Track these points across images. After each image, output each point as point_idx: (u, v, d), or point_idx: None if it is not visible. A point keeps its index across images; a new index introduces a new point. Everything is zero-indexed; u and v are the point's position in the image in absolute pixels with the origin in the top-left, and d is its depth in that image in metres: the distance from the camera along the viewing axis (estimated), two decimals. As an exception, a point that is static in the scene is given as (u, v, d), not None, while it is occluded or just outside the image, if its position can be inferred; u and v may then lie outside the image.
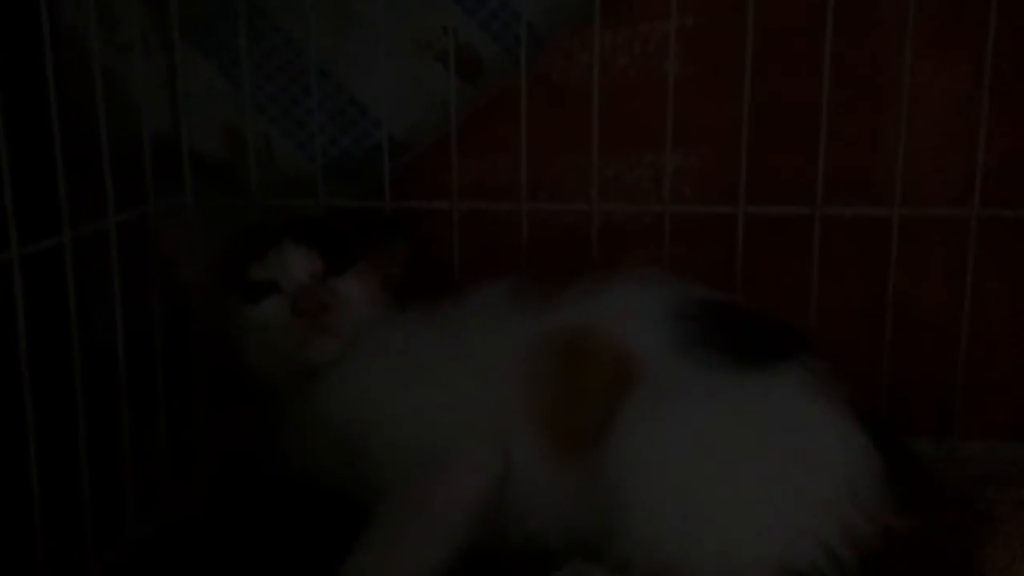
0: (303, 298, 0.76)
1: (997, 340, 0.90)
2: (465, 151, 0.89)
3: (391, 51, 0.87)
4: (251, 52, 0.88)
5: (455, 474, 0.72)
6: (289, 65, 0.90)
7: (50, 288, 0.70)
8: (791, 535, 0.65)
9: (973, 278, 0.84)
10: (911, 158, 0.83)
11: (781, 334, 0.74)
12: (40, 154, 0.70)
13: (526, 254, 0.89)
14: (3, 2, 0.81)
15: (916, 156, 0.84)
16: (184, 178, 0.88)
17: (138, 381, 0.79)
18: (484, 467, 0.73)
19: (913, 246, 0.87)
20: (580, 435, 0.71)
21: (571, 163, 0.93)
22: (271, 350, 0.78)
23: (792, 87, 0.88)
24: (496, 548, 0.72)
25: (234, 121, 0.89)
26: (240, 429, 0.89)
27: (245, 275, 0.78)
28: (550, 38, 0.91)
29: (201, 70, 0.89)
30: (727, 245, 0.87)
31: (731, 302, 0.77)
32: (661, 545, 0.66)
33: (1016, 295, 0.89)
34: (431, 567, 0.68)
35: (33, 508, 0.66)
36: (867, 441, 0.68)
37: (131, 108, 0.82)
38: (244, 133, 0.89)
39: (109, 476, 0.76)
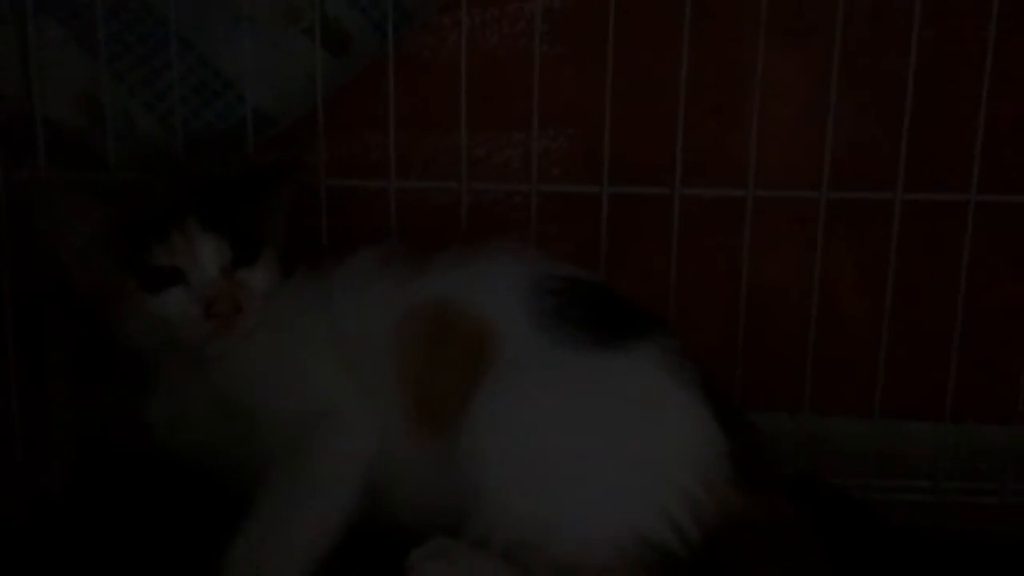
0: (218, 302, 0.72)
1: (845, 317, 0.94)
2: (333, 127, 0.88)
3: (257, 23, 0.85)
4: (109, 21, 0.85)
5: (338, 438, 0.72)
6: (150, 36, 0.87)
7: None
8: (640, 509, 0.67)
9: (823, 257, 0.88)
10: (766, 142, 0.86)
11: (636, 313, 0.76)
12: None
13: (395, 233, 0.89)
14: None
15: (770, 140, 0.87)
16: (37, 148, 0.85)
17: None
18: (364, 430, 0.73)
19: (767, 226, 0.89)
20: (443, 409, 0.72)
21: (441, 142, 0.93)
22: (163, 336, 0.74)
23: (654, 71, 0.90)
24: (362, 525, 0.71)
25: (91, 90, 0.86)
26: (100, 407, 0.87)
27: (144, 256, 0.73)
28: (419, 15, 0.91)
29: (55, 37, 0.86)
30: (593, 224, 0.88)
31: (590, 280, 0.79)
32: (516, 520, 0.67)
33: (863, 273, 0.93)
34: (323, 533, 0.68)
35: None
36: (713, 420, 0.71)
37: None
38: (102, 103, 0.86)
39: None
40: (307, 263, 0.80)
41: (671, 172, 0.86)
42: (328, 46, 0.88)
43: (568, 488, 0.68)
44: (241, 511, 0.68)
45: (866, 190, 0.87)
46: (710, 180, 0.89)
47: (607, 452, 0.68)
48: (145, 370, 0.79)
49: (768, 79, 0.85)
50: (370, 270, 0.78)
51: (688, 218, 0.88)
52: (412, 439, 0.73)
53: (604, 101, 0.86)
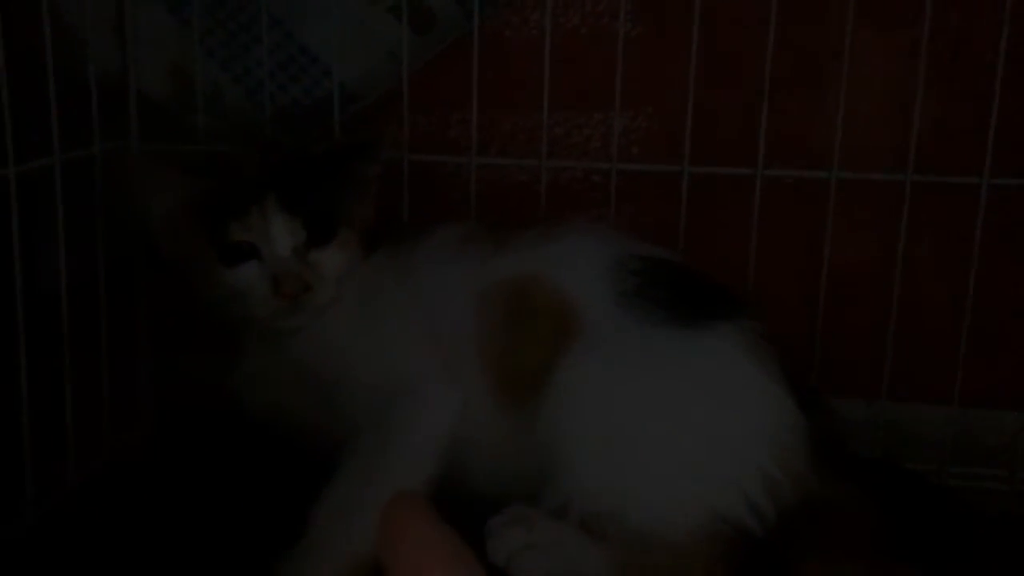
0: (286, 282, 0.74)
1: (926, 303, 0.92)
2: (416, 104, 0.89)
3: (343, 1, 0.87)
4: (202, -3, 0.87)
5: (421, 409, 0.73)
6: (240, 12, 0.89)
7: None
8: (716, 486, 0.68)
9: (905, 242, 0.87)
10: (850, 123, 0.85)
11: (717, 293, 0.76)
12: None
13: (475, 209, 0.90)
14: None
15: (855, 122, 0.86)
16: (130, 120, 0.87)
17: (81, 324, 0.79)
18: (446, 402, 0.74)
19: (849, 209, 0.89)
20: (524, 383, 0.73)
21: (521, 120, 0.94)
22: (239, 307, 0.76)
23: (738, 51, 0.90)
24: (442, 493, 0.73)
25: (183, 64, 0.88)
26: (186, 373, 0.89)
27: (224, 230, 0.75)
28: (503, -7, 0.92)
29: (151, 11, 0.88)
30: (672, 204, 0.88)
31: (672, 260, 0.79)
32: (594, 491, 0.68)
33: (945, 259, 0.91)
34: None
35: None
36: (792, 402, 0.71)
37: (78, 47, 0.81)
38: (193, 77, 0.88)
39: (51, 421, 0.76)
40: (389, 239, 0.82)
41: (754, 153, 0.86)
42: (413, 24, 0.89)
43: (646, 462, 0.68)
44: (322, 477, 0.70)
45: (952, 174, 0.86)
46: (792, 161, 0.89)
47: (686, 429, 0.69)
48: (230, 337, 0.81)
49: (855, 59, 0.84)
50: (452, 247, 0.80)
51: (769, 199, 0.87)
52: (493, 412, 0.74)
53: (686, 80, 0.86)
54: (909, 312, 0.89)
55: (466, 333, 0.76)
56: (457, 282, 0.77)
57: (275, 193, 0.75)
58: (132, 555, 0.72)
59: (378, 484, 0.69)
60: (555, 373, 0.71)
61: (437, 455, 0.72)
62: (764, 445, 0.69)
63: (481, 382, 0.75)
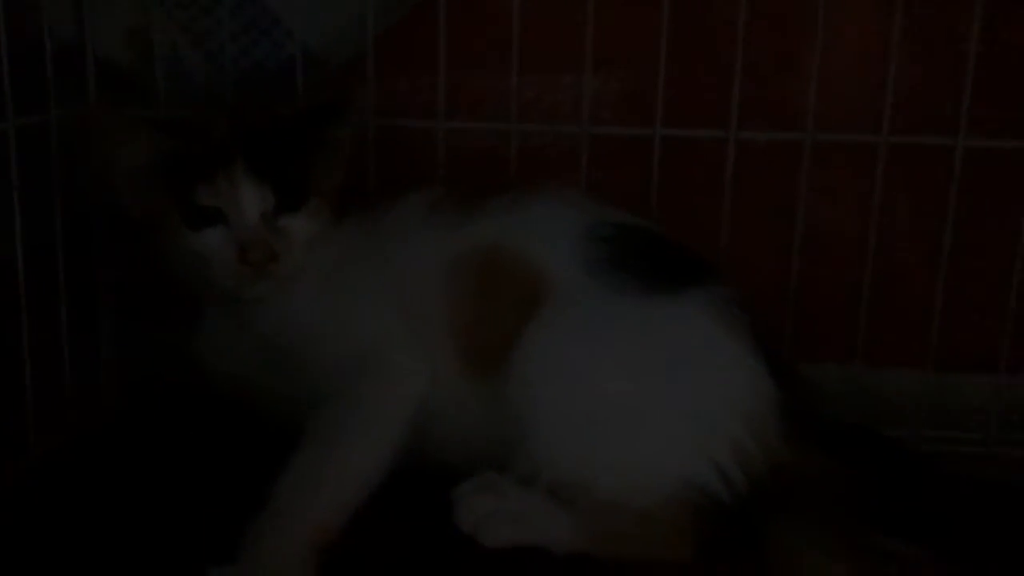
0: (252, 249, 0.72)
1: (901, 266, 0.92)
2: (382, 67, 0.88)
3: (306, -41, 0.85)
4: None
5: (389, 377, 0.72)
6: (200, -29, 0.87)
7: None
8: (687, 454, 0.67)
9: (880, 204, 0.86)
10: (825, 85, 0.84)
11: (689, 260, 0.75)
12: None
13: (443, 175, 0.88)
14: None
15: (829, 83, 0.85)
16: (88, 85, 0.85)
17: (40, 292, 0.77)
18: (414, 371, 0.73)
19: (824, 172, 0.88)
20: (493, 352, 0.72)
21: (490, 83, 0.92)
22: (202, 274, 0.74)
23: (711, 12, 0.88)
24: (409, 463, 0.71)
25: (141, 27, 0.86)
26: (148, 342, 0.88)
27: (190, 194, 0.72)
28: (471, -48, 0.90)
29: (107, -28, 0.86)
30: (644, 169, 0.87)
31: (643, 226, 0.78)
32: (563, 459, 0.68)
33: (921, 221, 0.91)
34: (373, 467, 0.67)
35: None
36: (764, 370, 0.70)
37: (32, 10, 0.79)
38: (152, 40, 0.86)
39: (11, 391, 0.75)
40: (358, 206, 0.80)
41: (727, 115, 0.85)
42: (378, -16, 0.87)
43: (615, 430, 0.68)
44: (286, 447, 0.68)
45: (927, 135, 0.85)
46: (766, 123, 0.87)
47: (655, 397, 0.68)
48: (195, 303, 0.79)
49: (829, 20, 0.83)
50: (421, 214, 0.78)
51: (742, 162, 0.86)
52: (461, 381, 0.73)
53: (658, 42, 0.84)
54: (884, 275, 0.88)
55: (435, 302, 0.74)
56: (426, 251, 0.76)
57: (243, 157, 0.73)
58: (95, 526, 0.71)
59: (344, 453, 0.68)
60: (524, 341, 0.70)
61: (404, 424, 0.70)
62: (734, 413, 0.69)
63: (450, 351, 0.73)
